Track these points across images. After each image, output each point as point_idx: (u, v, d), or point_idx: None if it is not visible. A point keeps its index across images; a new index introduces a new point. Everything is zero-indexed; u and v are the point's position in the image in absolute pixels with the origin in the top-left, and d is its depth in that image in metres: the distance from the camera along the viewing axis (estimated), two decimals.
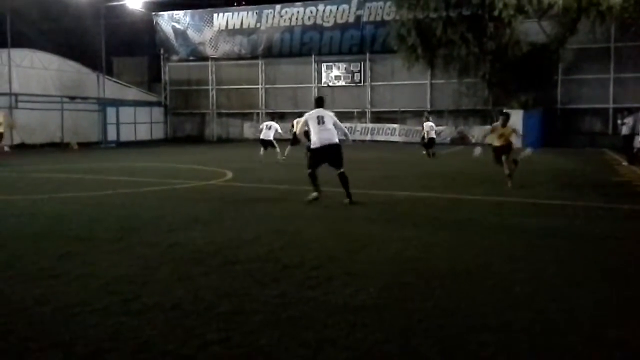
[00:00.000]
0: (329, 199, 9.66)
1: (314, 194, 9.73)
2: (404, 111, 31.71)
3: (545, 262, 5.78)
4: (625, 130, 17.96)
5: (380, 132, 31.94)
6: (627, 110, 19.35)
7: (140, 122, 34.64)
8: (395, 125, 31.38)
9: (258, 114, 35.40)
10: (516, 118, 27.20)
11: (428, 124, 21.57)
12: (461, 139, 29.67)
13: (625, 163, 17.29)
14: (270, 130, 18.94)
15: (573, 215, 8.73)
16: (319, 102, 10.47)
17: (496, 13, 26.67)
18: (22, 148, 26.10)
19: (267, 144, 18.85)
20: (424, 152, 21.27)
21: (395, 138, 30.82)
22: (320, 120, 9.88)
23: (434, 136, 21.70)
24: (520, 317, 4.13)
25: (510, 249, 6.38)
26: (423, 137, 21.93)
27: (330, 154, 9.78)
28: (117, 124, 32.18)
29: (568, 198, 10.43)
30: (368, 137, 31.72)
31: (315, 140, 9.84)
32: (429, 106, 31.33)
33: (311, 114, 10.08)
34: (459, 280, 5.11)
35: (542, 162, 18.59)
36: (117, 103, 32.32)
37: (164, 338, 3.73)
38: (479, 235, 7.12)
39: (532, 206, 9.61)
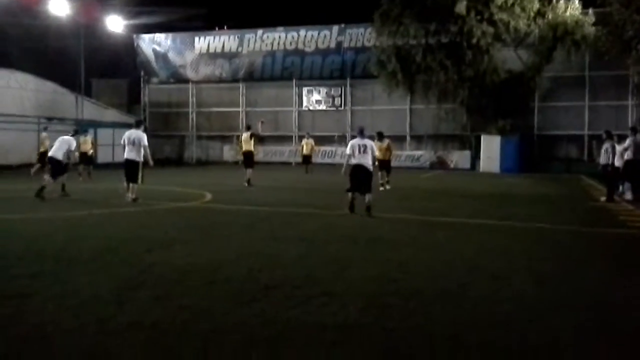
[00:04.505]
0: (311, 220, 9.60)
1: None
2: None
3: (525, 283, 5.80)
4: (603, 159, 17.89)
5: None
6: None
7: (118, 143, 34.25)
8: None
9: (238, 136, 35.29)
10: (494, 143, 27.73)
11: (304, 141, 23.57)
12: (440, 164, 30.01)
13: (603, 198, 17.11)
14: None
15: (552, 238, 8.82)
16: None
17: (474, 41, 27.20)
18: None
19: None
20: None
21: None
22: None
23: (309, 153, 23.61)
24: (500, 337, 4.12)
25: (491, 269, 6.40)
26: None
27: None
28: (95, 145, 31.82)
29: (546, 221, 10.53)
30: None
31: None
32: (408, 131, 31.64)
33: None
34: (439, 300, 5.10)
35: (520, 186, 18.83)
36: (96, 124, 32.02)
37: (141, 358, 3.65)
38: (459, 256, 7.13)
39: (512, 229, 9.68)
